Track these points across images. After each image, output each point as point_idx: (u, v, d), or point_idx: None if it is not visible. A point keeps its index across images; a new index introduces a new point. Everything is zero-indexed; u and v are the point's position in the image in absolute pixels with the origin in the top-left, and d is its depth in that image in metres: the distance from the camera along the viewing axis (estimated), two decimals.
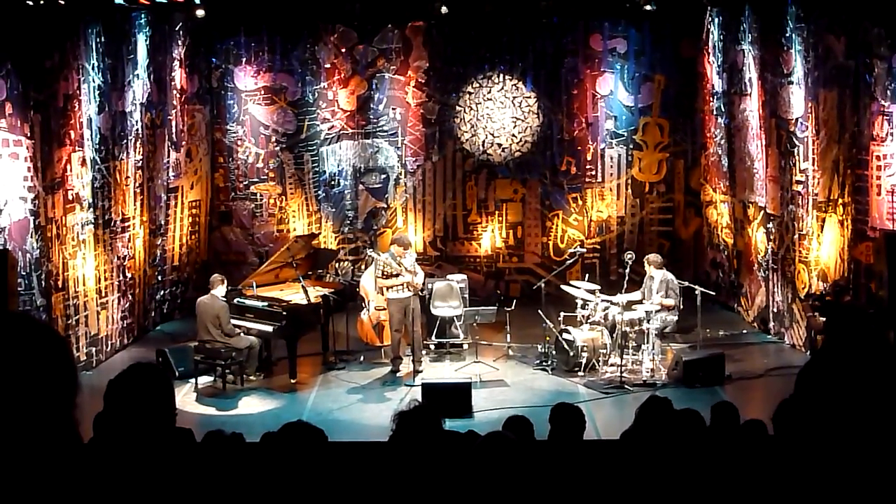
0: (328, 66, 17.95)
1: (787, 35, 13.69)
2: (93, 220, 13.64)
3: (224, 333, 12.50)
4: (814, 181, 13.28)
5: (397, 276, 13.08)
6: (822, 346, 11.97)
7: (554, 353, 13.31)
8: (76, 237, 13.22)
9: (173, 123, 16.39)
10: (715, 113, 16.69)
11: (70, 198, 13.03)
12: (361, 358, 13.93)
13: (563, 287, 13.91)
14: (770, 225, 14.73)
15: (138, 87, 15.03)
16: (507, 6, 16.69)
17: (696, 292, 13.25)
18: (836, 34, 12.68)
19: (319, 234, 17.67)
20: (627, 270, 13.46)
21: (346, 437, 10.12)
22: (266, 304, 13.14)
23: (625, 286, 13.28)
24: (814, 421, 2.65)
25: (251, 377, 12.90)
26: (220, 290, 12.70)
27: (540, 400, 11.75)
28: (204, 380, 12.78)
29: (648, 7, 15.26)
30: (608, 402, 11.86)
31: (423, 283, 13.91)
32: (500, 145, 18.09)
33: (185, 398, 12.19)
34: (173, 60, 16.34)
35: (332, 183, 18.30)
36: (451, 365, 13.75)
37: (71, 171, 13.03)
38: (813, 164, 13.29)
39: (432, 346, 14.37)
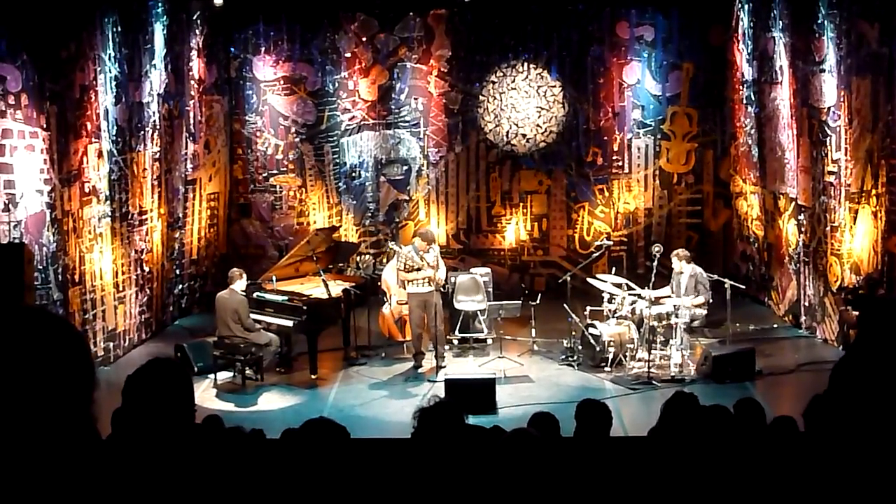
0: (348, 55, 17.98)
1: (819, 21, 13.58)
2: (110, 213, 13.69)
3: (243, 328, 12.55)
4: (846, 171, 13.17)
5: (419, 269, 13.10)
6: (856, 341, 11.89)
7: (580, 348, 13.29)
8: (93, 230, 13.28)
9: (191, 114, 16.45)
10: (745, 102, 16.60)
11: (87, 190, 13.08)
12: (383, 353, 13.95)
13: (590, 281, 13.87)
14: (801, 217, 14.64)
15: (155, 78, 15.08)
16: None
17: (726, 286, 13.19)
18: (869, 20, 12.56)
19: (340, 226, 17.70)
20: (655, 264, 13.41)
21: (368, 433, 10.16)
22: (286, 298, 13.17)
23: (652, 280, 13.24)
24: (847, 417, 2.64)
25: (280, 370, 12.97)
26: (239, 285, 12.74)
27: (565, 396, 11.73)
28: (223, 375, 12.85)
29: None
30: (635, 398, 11.83)
31: (446, 279, 13.90)
32: (524, 136, 18.07)
33: (204, 394, 12.23)
34: (191, 50, 16.40)
35: (353, 175, 18.33)
36: (474, 360, 13.75)
37: (87, 163, 13.08)
38: (845, 154, 13.18)
39: (455, 341, 14.37)
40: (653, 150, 18.05)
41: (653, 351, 12.67)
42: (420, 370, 13.20)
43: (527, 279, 18.16)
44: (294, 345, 13.53)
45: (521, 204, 18.30)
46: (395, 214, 18.38)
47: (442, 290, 13.64)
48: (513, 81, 18.01)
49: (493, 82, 18.04)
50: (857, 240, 13.08)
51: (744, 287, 14.67)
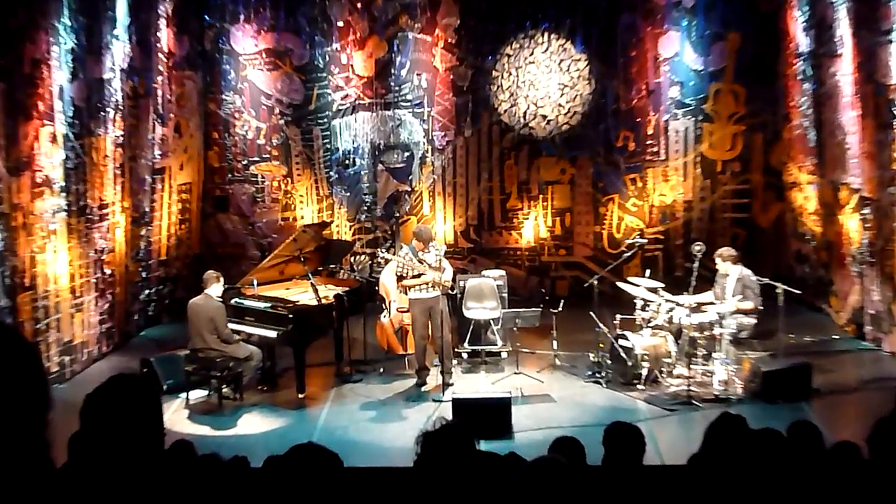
0: (341, 24, 18.00)
1: None
2: (65, 207, 13.70)
3: (220, 340, 12.55)
4: None
5: (419, 275, 13.07)
6: None
7: (609, 362, 13.28)
8: (46, 227, 13.28)
9: (159, 93, 16.47)
10: (800, 77, 16.56)
11: (38, 181, 13.09)
12: (381, 369, 13.96)
13: (620, 285, 13.87)
14: (866, 210, 14.60)
15: (118, 51, 15.09)
16: None
17: (778, 291, 13.15)
18: None
19: (331, 222, 17.72)
20: (696, 265, 13.39)
21: (364, 461, 10.14)
22: (269, 305, 13.17)
23: (693, 284, 13.22)
24: None
25: (263, 388, 12.98)
26: (215, 290, 12.74)
27: (592, 418, 11.73)
28: (197, 394, 12.87)
29: None
30: (673, 420, 11.82)
31: (454, 280, 13.89)
32: (544, 117, 18.07)
33: (175, 416, 12.25)
34: (159, 18, 16.42)
35: (347, 162, 18.36)
36: (486, 377, 13.75)
37: (39, 149, 13.07)
38: None
39: (465, 355, 14.38)
40: (693, 134, 18.04)
41: (693, 366, 12.65)
42: (424, 388, 13.20)
43: (547, 283, 18.17)
44: (278, 359, 13.54)
45: (541, 196, 18.31)
46: (395, 208, 18.40)
47: (451, 291, 13.63)
48: (531, 54, 18.01)
49: (509, 55, 18.04)
50: None
51: (799, 292, 14.62)
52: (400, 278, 13.17)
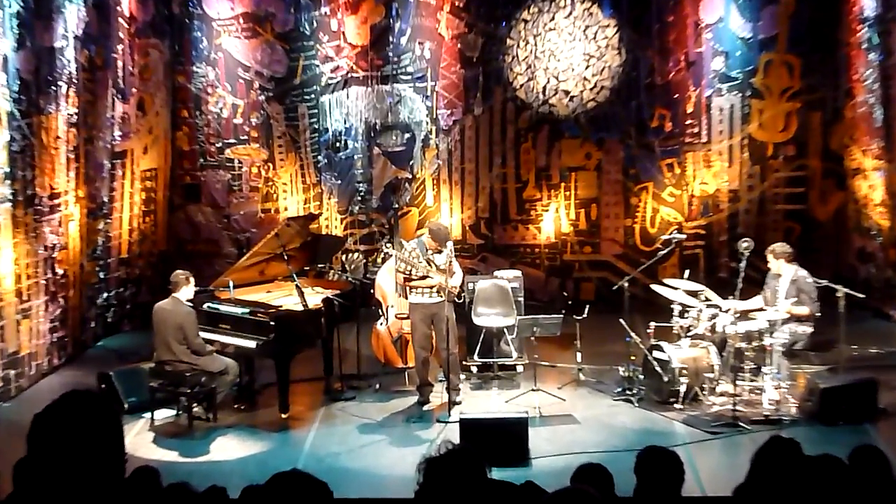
0: None
1: None
2: (10, 197, 13.69)
3: (190, 351, 12.55)
4: None
5: (424, 277, 13.03)
6: None
7: (641, 378, 13.28)
8: None
9: (120, 64, 16.48)
10: (865, 47, 16.56)
11: None
12: (377, 385, 13.98)
13: (654, 288, 13.86)
14: None
15: (71, 15, 15.10)
16: None
17: (838, 294, 13.14)
18: None
19: (320, 214, 17.73)
20: (743, 265, 13.36)
21: (357, 491, 10.17)
22: (247, 310, 13.17)
23: (739, 287, 13.20)
24: None
25: (240, 406, 12.99)
26: (184, 293, 12.74)
27: (622, 442, 11.74)
28: (163, 414, 12.88)
29: None
30: (716, 444, 11.81)
31: (462, 286, 13.84)
32: (566, 93, 18.07)
33: (138, 439, 12.26)
34: None
35: (338, 145, 18.36)
36: (499, 394, 13.76)
37: None
38: None
39: (474, 369, 14.40)
40: (740, 113, 18.02)
41: (740, 382, 12.63)
42: (427, 407, 13.21)
43: (570, 285, 18.16)
44: (258, 373, 13.56)
45: (563, 185, 18.30)
46: (394, 199, 18.40)
47: (457, 299, 13.63)
48: (552, 20, 18.01)
49: (526, 21, 18.04)
50: None
51: (863, 296, 14.61)
52: (407, 276, 13.09)
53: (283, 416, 12.87)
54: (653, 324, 13.43)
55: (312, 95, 18.27)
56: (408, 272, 13.06)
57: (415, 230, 17.48)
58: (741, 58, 17.89)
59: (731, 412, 12.26)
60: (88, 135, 15.69)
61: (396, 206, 18.36)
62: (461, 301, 14.05)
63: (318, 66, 18.20)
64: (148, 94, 17.52)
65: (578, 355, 14.03)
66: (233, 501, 6.03)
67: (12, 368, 13.75)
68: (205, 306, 13.27)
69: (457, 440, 10.76)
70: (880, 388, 12.55)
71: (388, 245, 14.06)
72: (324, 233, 17.26)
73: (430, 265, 13.04)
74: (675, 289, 13.45)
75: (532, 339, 13.81)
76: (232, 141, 18.40)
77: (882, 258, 16.64)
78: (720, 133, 18.06)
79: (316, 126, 18.33)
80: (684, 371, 12.75)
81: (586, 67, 18.00)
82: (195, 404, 12.67)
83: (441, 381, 13.41)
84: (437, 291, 13.01)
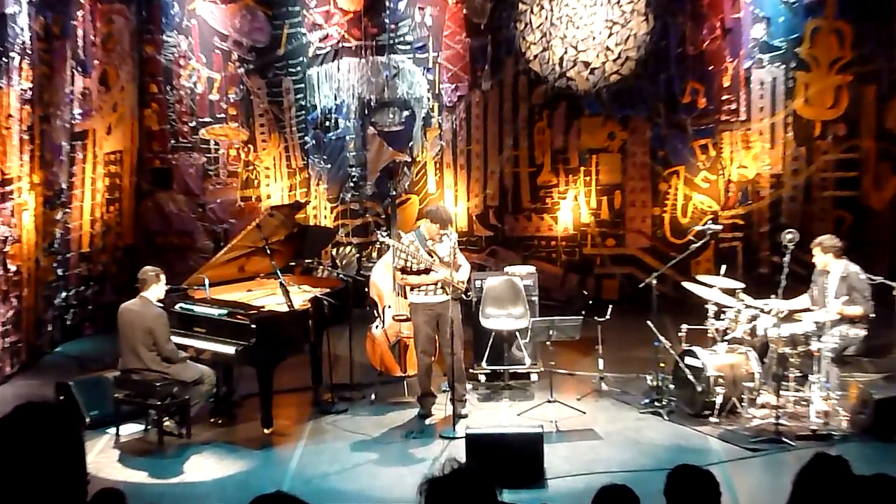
0: None
1: None
2: None
3: (161, 358, 12.55)
4: None
5: (425, 272, 13.00)
6: None
7: (672, 387, 13.30)
8: None
9: (80, 33, 16.48)
10: None
11: None
12: (373, 395, 13.99)
13: (686, 286, 13.86)
14: None
15: None
16: None
17: (895, 293, 13.16)
18: None
19: (307, 203, 17.73)
20: (787, 260, 13.36)
21: None
22: (226, 312, 13.16)
23: (783, 284, 13.20)
24: None
25: (217, 420, 12.99)
26: (154, 292, 12.73)
27: (650, 460, 11.75)
28: (130, 429, 12.89)
29: None
30: (756, 463, 11.82)
31: (469, 281, 13.84)
32: (586, 65, 18.06)
33: (102, 457, 12.26)
34: None
35: (327, 124, 18.37)
36: (511, 406, 13.77)
37: None
38: None
39: (482, 377, 14.42)
40: (783, 87, 18.01)
41: (783, 392, 12.64)
42: (429, 421, 13.23)
43: (591, 283, 18.17)
44: (237, 383, 13.59)
45: (583, 169, 18.31)
46: (391, 185, 18.38)
47: (465, 297, 13.62)
48: None
49: None
50: None
51: None
52: (407, 269, 13.03)
53: (266, 431, 12.86)
54: (685, 326, 13.42)
55: (298, 68, 18.27)
56: (408, 265, 13.02)
57: (414, 221, 17.44)
58: (785, 24, 17.88)
59: (774, 426, 12.27)
60: (44, 113, 15.69)
61: (394, 193, 18.29)
62: (469, 299, 14.04)
63: (304, 34, 18.21)
64: (112, 66, 17.51)
65: (600, 362, 14.05)
66: None
67: None
68: (177, 307, 13.24)
69: (462, 458, 10.79)
70: None
71: (384, 235, 13.74)
72: (312, 224, 17.25)
73: (432, 256, 13.02)
74: (710, 286, 13.45)
75: (548, 343, 13.82)
76: (207, 120, 18.40)
77: None
78: (761, 110, 18.06)
79: (303, 103, 18.34)
80: (720, 380, 12.74)
81: (609, 35, 18.00)
82: (166, 418, 12.68)
83: (445, 391, 13.41)
84: (442, 288, 13.01)
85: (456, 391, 13.01)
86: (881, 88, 17.92)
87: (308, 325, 13.35)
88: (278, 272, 13.33)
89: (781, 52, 17.91)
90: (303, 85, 18.29)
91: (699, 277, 13.91)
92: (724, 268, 14.17)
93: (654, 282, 13.94)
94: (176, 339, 12.83)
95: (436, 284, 13.00)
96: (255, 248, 13.70)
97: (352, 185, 18.47)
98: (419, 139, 18.38)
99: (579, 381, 14.36)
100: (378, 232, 14.46)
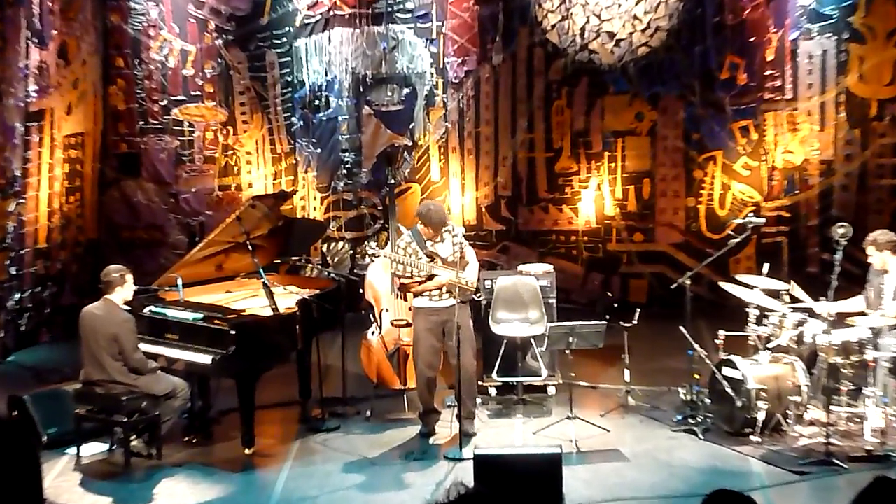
0: None
1: None
2: None
3: (128, 368, 12.55)
4: None
5: (429, 277, 12.92)
6: None
7: (707, 402, 13.31)
8: None
9: None
10: None
11: None
12: (368, 412, 14.01)
13: (725, 287, 13.85)
14: None
15: None
16: None
17: None
18: None
19: (293, 192, 17.74)
20: (839, 257, 13.34)
21: None
22: (201, 316, 13.17)
23: (834, 285, 13.19)
24: None
25: (192, 439, 13.00)
26: (120, 294, 12.71)
27: (683, 485, 11.76)
28: (93, 449, 12.89)
29: None
30: (804, 488, 11.81)
31: (478, 282, 13.81)
32: (611, 35, 18.07)
33: (61, 480, 12.25)
34: None
35: (317, 103, 18.38)
36: (525, 423, 13.77)
37: None
38: None
39: (493, 391, 14.44)
40: (835, 61, 18.01)
41: (835, 407, 12.63)
42: (432, 440, 13.23)
43: (616, 283, 18.18)
44: (215, 397, 13.60)
45: (607, 154, 18.32)
46: (389, 172, 18.38)
47: (475, 297, 13.61)
48: None
49: None
50: None
51: None
52: (407, 276, 12.89)
53: (248, 451, 12.85)
54: (722, 333, 13.41)
55: (284, 39, 18.30)
56: (407, 275, 12.93)
57: (416, 214, 17.49)
58: None
59: (824, 446, 12.24)
60: None
61: (392, 181, 18.29)
62: (479, 300, 14.03)
63: (291, 1, 18.21)
64: (73, 37, 17.53)
65: (626, 373, 14.06)
66: None
67: None
68: (146, 311, 13.25)
69: (470, 483, 10.78)
70: None
71: (375, 246, 13.32)
72: (299, 216, 17.27)
73: (433, 260, 12.92)
74: (752, 287, 13.45)
75: (567, 352, 13.82)
76: (181, 98, 18.43)
77: None
78: (809, 87, 18.07)
79: (289, 79, 18.37)
80: (763, 394, 12.74)
81: (637, 2, 18.03)
82: (134, 437, 12.67)
83: (450, 406, 13.45)
84: (448, 292, 12.90)
85: (463, 406, 12.99)
86: None
87: (295, 332, 13.32)
88: (261, 271, 13.34)
89: (833, 21, 17.93)
90: (289, 59, 18.32)
91: (739, 277, 13.90)
92: (767, 266, 14.16)
93: (688, 282, 13.94)
94: (145, 347, 12.80)
95: (441, 288, 12.90)
96: (234, 244, 13.71)
97: (345, 172, 18.49)
98: (421, 120, 18.40)
99: (603, 395, 14.38)
100: (368, 243, 14.16)
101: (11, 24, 15.96)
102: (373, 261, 13.75)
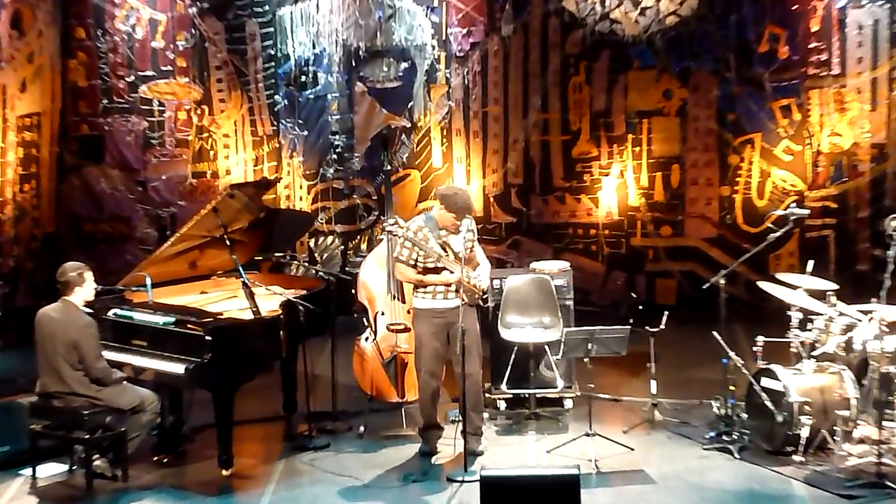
0: None
1: None
2: None
3: (90, 379, 12.57)
4: None
5: (436, 269, 12.91)
6: None
7: (744, 417, 13.34)
8: None
9: None
10: None
11: None
12: (362, 427, 14.04)
13: (764, 286, 13.89)
14: None
15: None
16: None
17: None
18: None
19: (278, 181, 17.78)
20: (893, 253, 13.38)
21: None
22: (173, 319, 13.19)
23: (887, 285, 13.21)
24: None
25: (162, 459, 13.04)
26: (80, 294, 12.72)
27: None
28: (50, 469, 12.92)
29: None
30: None
31: (489, 285, 13.82)
32: (635, 3, 18.10)
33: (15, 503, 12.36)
34: None
35: (304, 80, 18.41)
36: (538, 440, 13.83)
37: None
38: None
39: (502, 404, 14.49)
40: (888, 32, 18.03)
41: (888, 423, 12.66)
42: (434, 459, 13.26)
43: (641, 283, 18.22)
44: (188, 411, 13.63)
45: (631, 137, 18.35)
46: (386, 157, 18.32)
47: (482, 301, 13.64)
48: None
49: None
50: None
51: None
52: (412, 262, 12.69)
53: (225, 472, 12.86)
54: (761, 339, 13.46)
55: (266, 7, 18.34)
56: (414, 260, 12.81)
57: (415, 204, 17.49)
58: None
59: (875, 466, 12.29)
60: None
61: (388, 168, 18.20)
62: (486, 305, 14.07)
63: None
64: (26, 5, 17.57)
65: (653, 384, 14.10)
66: None
67: None
68: (111, 314, 13.26)
69: None
70: None
71: (392, 223, 13.15)
72: (283, 207, 17.31)
73: (445, 251, 12.87)
74: (794, 288, 13.48)
75: (586, 360, 13.84)
76: (149, 74, 18.46)
77: None
78: (859, 62, 18.10)
79: (272, 52, 18.40)
80: (807, 407, 12.78)
81: None
82: (97, 456, 12.68)
83: (454, 421, 13.47)
84: (455, 291, 12.88)
85: (469, 422, 13.03)
86: None
87: (279, 337, 13.37)
88: (241, 269, 13.38)
89: None
90: (272, 29, 18.36)
91: (780, 276, 13.95)
92: (811, 264, 14.19)
93: (722, 282, 13.96)
94: (109, 355, 12.79)
95: (448, 286, 12.85)
96: (210, 239, 13.74)
97: (335, 157, 18.53)
98: (421, 99, 18.44)
99: (626, 408, 14.44)
100: (383, 218, 14.08)
101: None
102: (390, 236, 13.46)
